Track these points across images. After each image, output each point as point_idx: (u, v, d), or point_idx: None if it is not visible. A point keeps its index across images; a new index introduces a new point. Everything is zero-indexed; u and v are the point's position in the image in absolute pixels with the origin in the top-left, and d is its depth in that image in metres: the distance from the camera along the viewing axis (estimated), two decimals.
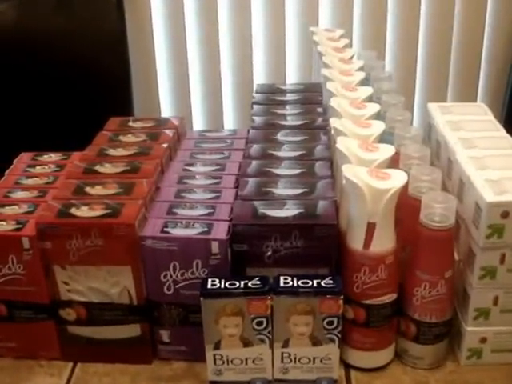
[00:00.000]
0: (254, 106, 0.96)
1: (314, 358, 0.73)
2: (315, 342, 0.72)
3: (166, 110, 1.74)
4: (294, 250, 0.71)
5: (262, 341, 0.71)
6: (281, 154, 0.83)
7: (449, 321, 0.78)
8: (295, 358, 0.74)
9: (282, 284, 0.70)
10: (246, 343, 0.71)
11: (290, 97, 0.98)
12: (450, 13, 1.69)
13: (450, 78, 1.76)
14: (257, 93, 1.01)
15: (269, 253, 0.71)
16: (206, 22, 1.65)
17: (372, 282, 0.74)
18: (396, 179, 0.70)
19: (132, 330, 0.77)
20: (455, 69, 1.75)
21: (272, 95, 0.99)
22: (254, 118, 0.91)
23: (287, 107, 0.94)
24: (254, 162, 0.81)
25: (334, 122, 0.78)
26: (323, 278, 0.71)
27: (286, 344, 0.73)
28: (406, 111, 0.86)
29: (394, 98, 0.89)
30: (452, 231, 0.73)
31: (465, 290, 0.77)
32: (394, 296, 0.76)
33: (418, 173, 0.75)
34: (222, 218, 0.72)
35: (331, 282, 0.71)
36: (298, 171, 0.79)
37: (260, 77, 1.72)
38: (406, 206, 0.75)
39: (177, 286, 0.73)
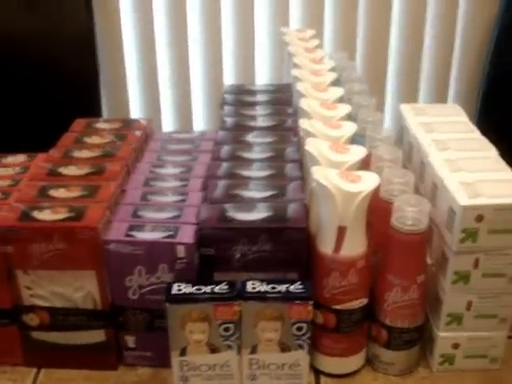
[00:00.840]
0: (224, 107, 0.93)
1: (283, 365, 0.71)
2: (284, 348, 0.70)
3: (136, 111, 1.71)
4: (262, 254, 0.69)
5: (230, 347, 0.69)
6: (250, 155, 0.81)
7: (421, 326, 0.77)
8: (263, 365, 0.72)
9: (249, 289, 0.68)
10: (213, 349, 0.69)
11: (259, 98, 0.96)
12: (422, 13, 1.68)
13: (422, 79, 1.75)
14: (226, 93, 0.99)
15: (237, 257, 0.69)
16: (176, 22, 1.63)
17: (342, 286, 0.72)
18: (367, 182, 0.68)
19: (96, 336, 0.74)
20: (427, 70, 1.74)
21: (241, 96, 0.98)
22: (224, 119, 0.89)
23: (257, 108, 0.92)
24: (223, 164, 0.79)
25: (303, 123, 0.77)
26: (293, 282, 0.69)
27: (253, 350, 0.71)
28: (378, 112, 0.85)
29: (365, 99, 0.88)
30: (424, 235, 0.72)
31: (437, 294, 0.76)
32: (364, 301, 0.75)
33: (390, 175, 0.74)
34: (189, 221, 0.70)
35: (301, 286, 0.69)
36: (267, 173, 0.77)
37: (230, 78, 1.70)
38: (377, 209, 0.73)
39: (142, 291, 0.71)
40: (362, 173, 0.70)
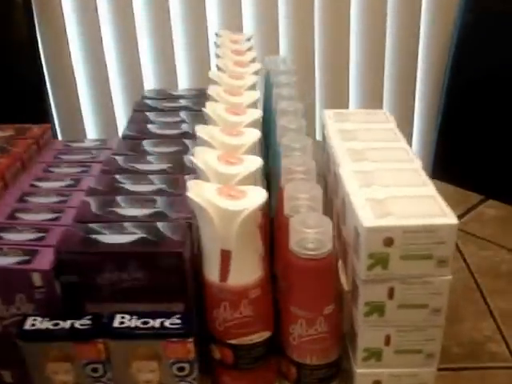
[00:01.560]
0: (133, 113, 0.83)
1: None
2: None
3: (88, 116, 1.63)
4: (136, 282, 0.60)
5: None
6: (144, 167, 0.71)
7: (335, 362, 0.66)
8: None
9: (116, 324, 0.58)
10: None
11: (177, 103, 0.86)
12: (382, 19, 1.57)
13: (385, 85, 1.64)
14: (143, 98, 0.89)
15: (106, 285, 0.59)
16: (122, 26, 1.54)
17: (236, 319, 0.62)
18: (252, 198, 0.58)
19: None
20: (389, 76, 1.63)
21: (157, 101, 0.87)
22: (127, 125, 0.79)
23: (170, 114, 0.82)
24: (109, 177, 0.69)
25: (199, 130, 0.66)
26: (170, 316, 0.59)
27: None
28: (303, 119, 0.74)
29: (291, 104, 0.77)
30: (330, 259, 0.61)
31: (352, 327, 0.65)
32: (266, 334, 0.64)
33: (293, 190, 0.63)
34: (51, 244, 0.60)
35: (179, 321, 0.59)
36: (155, 187, 0.67)
37: (151, 83, 1.62)
38: (282, 228, 0.63)
39: (4, 323, 0.62)
40: (249, 188, 0.59)
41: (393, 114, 0.77)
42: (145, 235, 0.61)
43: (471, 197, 1.07)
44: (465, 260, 0.92)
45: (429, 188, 0.63)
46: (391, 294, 0.61)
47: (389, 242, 0.58)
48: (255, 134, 0.66)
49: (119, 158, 0.73)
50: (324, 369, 0.66)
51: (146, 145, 0.76)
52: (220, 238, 0.58)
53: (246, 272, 0.61)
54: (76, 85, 1.61)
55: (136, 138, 0.78)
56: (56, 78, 1.58)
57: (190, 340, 0.59)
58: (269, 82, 0.86)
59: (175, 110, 0.83)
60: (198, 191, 0.58)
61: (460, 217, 1.01)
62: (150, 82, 1.66)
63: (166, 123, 0.81)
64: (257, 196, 0.59)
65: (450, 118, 1.39)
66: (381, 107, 1.67)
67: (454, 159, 1.22)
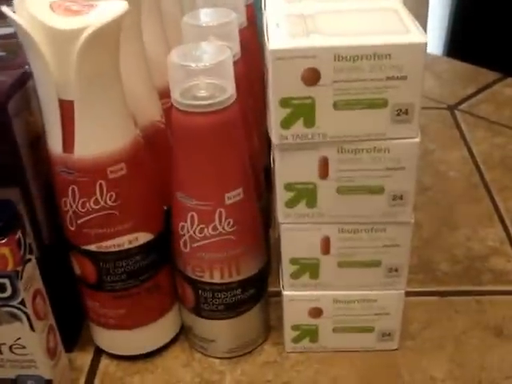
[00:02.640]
0: None
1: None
2: None
3: None
4: None
5: None
6: None
7: (252, 279, 0.44)
8: None
9: None
10: None
11: None
12: None
13: None
14: None
15: None
16: None
17: (91, 212, 0.40)
18: (105, 11, 0.35)
19: None
20: None
21: None
22: None
23: None
24: None
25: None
26: None
27: None
28: None
29: None
30: (232, 113, 0.38)
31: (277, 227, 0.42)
32: (144, 237, 0.42)
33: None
34: None
35: None
36: None
37: None
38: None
39: None
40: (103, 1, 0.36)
41: None
42: None
43: (487, 75, 0.82)
44: (469, 149, 0.68)
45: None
46: (324, 171, 0.38)
47: (313, 75, 0.34)
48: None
49: None
50: (236, 288, 0.43)
51: None
52: (54, 79, 0.35)
53: (102, 137, 0.38)
54: None
55: None
56: None
57: (4, 241, 0.37)
58: None
59: None
60: (23, 9, 0.34)
61: (470, 96, 0.76)
62: None
63: None
64: (112, 8, 0.35)
65: None
66: None
67: (471, 34, 0.96)
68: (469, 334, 0.48)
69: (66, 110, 0.38)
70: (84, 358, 0.48)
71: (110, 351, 0.47)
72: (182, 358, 0.47)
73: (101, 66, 0.37)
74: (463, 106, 0.75)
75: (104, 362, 0.47)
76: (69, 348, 0.47)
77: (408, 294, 0.43)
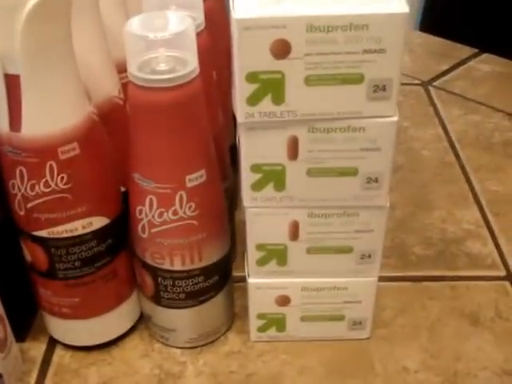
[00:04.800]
0: None
1: None
2: None
3: None
4: None
5: None
6: None
7: (216, 265, 0.41)
8: None
9: None
10: None
11: None
12: None
13: None
14: None
15: None
16: None
17: (41, 195, 0.36)
18: None
19: None
20: None
21: None
22: None
23: None
24: None
25: None
26: None
27: None
28: None
29: None
30: (194, 89, 0.34)
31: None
32: (99, 222, 0.39)
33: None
34: None
35: None
36: None
37: None
38: None
39: None
40: None
41: None
42: None
43: (462, 50, 0.79)
44: (444, 126, 0.65)
45: None
46: (294, 152, 0.35)
47: (283, 50, 0.31)
48: None
49: None
50: (198, 276, 0.40)
51: None
52: None
53: (51, 114, 0.35)
54: None
55: None
56: None
57: None
58: None
59: None
60: None
61: (445, 73, 0.74)
62: None
63: None
64: None
65: None
66: None
67: (446, 7, 0.94)
68: (443, 321, 0.46)
69: (12, 85, 0.34)
70: (37, 349, 0.45)
71: (65, 342, 0.45)
72: (140, 349, 0.44)
73: (48, 38, 0.33)
74: (438, 83, 0.73)
75: (58, 352, 0.45)
76: (21, 338, 0.44)
77: (380, 279, 0.41)
